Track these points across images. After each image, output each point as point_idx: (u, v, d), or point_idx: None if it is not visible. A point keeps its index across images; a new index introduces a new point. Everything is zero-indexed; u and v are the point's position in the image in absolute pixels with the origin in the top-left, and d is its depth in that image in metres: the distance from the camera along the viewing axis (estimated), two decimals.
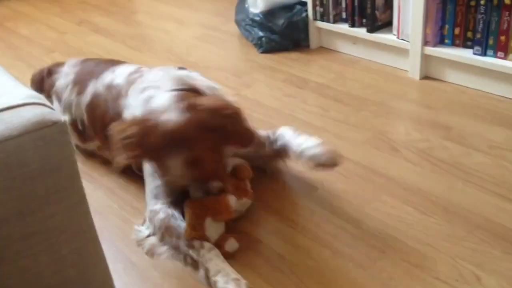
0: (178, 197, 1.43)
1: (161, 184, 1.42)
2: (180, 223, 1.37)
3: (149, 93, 1.39)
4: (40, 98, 0.80)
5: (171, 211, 1.40)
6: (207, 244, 1.32)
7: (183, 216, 1.39)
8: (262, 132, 1.58)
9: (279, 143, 1.55)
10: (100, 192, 1.64)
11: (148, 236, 1.40)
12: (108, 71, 1.66)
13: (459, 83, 2.11)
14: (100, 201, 1.61)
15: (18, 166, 0.73)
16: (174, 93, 1.35)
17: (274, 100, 2.14)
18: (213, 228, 1.35)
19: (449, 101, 2.02)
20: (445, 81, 2.15)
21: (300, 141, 1.47)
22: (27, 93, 0.80)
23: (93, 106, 1.63)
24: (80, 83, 1.72)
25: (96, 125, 1.63)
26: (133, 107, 1.42)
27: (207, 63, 2.54)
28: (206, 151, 1.27)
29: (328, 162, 1.41)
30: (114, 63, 1.75)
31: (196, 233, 1.32)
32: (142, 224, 1.44)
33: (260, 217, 1.50)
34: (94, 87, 1.65)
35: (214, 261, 1.27)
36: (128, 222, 1.51)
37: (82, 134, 1.74)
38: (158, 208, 1.40)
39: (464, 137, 1.78)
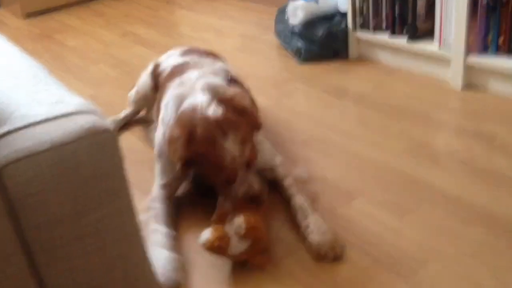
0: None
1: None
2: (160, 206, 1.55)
3: (180, 92, 1.56)
4: (92, 106, 0.84)
5: (160, 194, 1.58)
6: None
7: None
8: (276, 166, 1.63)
9: (287, 199, 1.56)
10: (143, 199, 1.69)
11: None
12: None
13: (503, 93, 2.07)
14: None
15: (72, 170, 0.77)
16: (206, 93, 1.48)
17: (313, 110, 2.15)
18: (237, 245, 1.34)
19: (492, 111, 1.98)
20: (488, 91, 2.11)
21: (307, 222, 1.43)
22: (80, 102, 0.85)
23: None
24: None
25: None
26: (168, 107, 1.58)
27: (246, 73, 2.57)
28: (248, 131, 1.44)
29: (329, 255, 1.35)
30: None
31: (219, 245, 1.32)
32: None
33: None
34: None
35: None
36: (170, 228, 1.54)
37: None
38: (158, 187, 1.60)
39: (509, 147, 1.74)
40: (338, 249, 1.37)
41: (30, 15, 4.03)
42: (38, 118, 0.80)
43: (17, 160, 0.75)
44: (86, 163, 0.78)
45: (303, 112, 2.15)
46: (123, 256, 0.87)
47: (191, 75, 1.65)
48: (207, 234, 1.34)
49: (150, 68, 2.00)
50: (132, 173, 0.92)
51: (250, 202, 1.41)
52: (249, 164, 1.43)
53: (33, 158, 0.75)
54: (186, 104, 1.47)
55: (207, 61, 1.84)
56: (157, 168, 1.64)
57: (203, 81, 1.56)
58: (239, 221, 1.34)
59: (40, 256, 0.79)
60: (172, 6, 3.95)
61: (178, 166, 1.43)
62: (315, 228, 1.40)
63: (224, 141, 1.37)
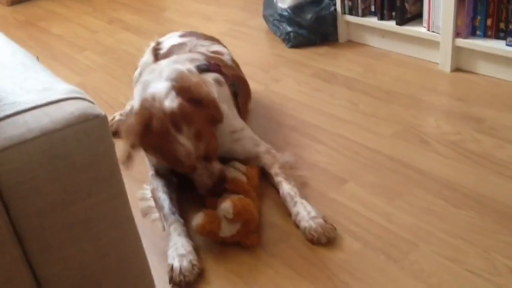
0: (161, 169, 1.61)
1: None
2: (161, 195, 1.52)
3: (147, 79, 1.52)
4: (82, 93, 0.83)
5: (156, 183, 1.57)
6: (171, 218, 1.44)
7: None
8: (261, 154, 1.62)
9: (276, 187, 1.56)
10: (134, 186, 1.68)
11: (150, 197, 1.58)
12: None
13: (491, 75, 2.08)
14: (134, 195, 1.64)
15: (62, 158, 0.77)
16: (168, 81, 1.45)
17: (302, 95, 2.15)
18: (228, 228, 1.37)
19: (481, 93, 1.99)
20: (476, 73, 2.12)
21: (297, 209, 1.43)
22: (69, 88, 0.83)
23: None
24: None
25: None
26: (135, 94, 1.55)
27: (235, 58, 2.56)
28: (204, 124, 1.41)
29: (322, 239, 1.36)
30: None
31: (209, 229, 1.36)
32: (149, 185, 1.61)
33: None
34: None
35: (171, 235, 1.40)
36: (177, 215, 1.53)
37: None
38: (150, 176, 1.60)
39: (497, 129, 1.76)
40: (330, 232, 1.37)
41: (14, 2, 3.95)
42: (27, 106, 0.79)
43: (6, 148, 0.73)
44: (76, 150, 0.77)
45: (292, 96, 2.14)
46: (116, 243, 0.86)
47: (164, 61, 1.65)
48: (198, 219, 1.37)
49: (151, 45, 2.00)
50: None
51: (217, 189, 1.44)
52: (207, 157, 1.42)
53: (22, 146, 0.74)
54: (148, 93, 1.44)
55: (205, 44, 1.84)
56: (145, 159, 1.64)
57: (170, 68, 1.53)
58: (226, 206, 1.36)
59: (32, 245, 0.78)
60: None
61: (131, 151, 1.42)
62: (305, 214, 1.41)
63: (178, 136, 1.36)
